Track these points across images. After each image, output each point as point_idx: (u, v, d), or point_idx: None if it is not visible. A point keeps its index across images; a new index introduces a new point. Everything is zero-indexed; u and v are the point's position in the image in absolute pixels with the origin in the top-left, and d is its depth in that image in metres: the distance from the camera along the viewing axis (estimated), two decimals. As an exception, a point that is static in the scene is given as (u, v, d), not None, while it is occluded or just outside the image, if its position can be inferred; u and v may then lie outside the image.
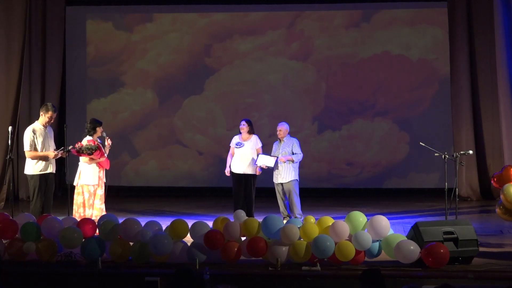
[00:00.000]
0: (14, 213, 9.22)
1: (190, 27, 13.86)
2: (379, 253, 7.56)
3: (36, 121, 9.08)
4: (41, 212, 8.76)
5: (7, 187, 11.92)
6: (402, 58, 13.42)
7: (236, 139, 10.34)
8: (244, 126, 10.28)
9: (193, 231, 7.74)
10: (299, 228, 7.56)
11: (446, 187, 8.82)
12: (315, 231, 7.54)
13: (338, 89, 13.56)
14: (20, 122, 12.60)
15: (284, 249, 7.47)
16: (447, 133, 12.95)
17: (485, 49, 12.47)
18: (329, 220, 7.69)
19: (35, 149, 8.90)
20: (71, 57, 13.86)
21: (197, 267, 7.26)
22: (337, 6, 13.61)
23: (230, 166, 10.27)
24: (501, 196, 8.42)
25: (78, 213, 8.95)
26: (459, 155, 9.02)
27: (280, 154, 10.12)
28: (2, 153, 12.47)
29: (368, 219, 7.65)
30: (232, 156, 10.29)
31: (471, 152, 9.54)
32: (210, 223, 7.89)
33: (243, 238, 7.80)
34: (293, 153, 10.11)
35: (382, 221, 7.53)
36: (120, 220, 7.94)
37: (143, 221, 8.00)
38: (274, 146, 10.33)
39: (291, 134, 10.37)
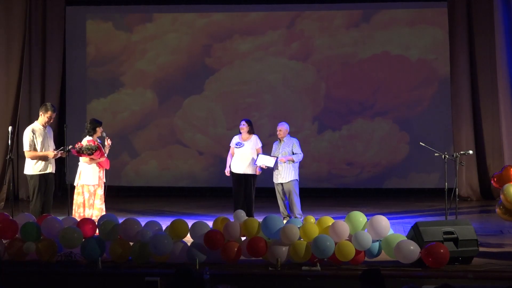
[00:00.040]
0: (14, 213, 9.21)
1: (190, 27, 13.86)
2: (379, 253, 7.56)
3: (35, 121, 9.07)
4: (41, 212, 8.76)
5: (7, 187, 11.92)
6: (402, 58, 13.42)
7: (236, 139, 10.34)
8: (244, 126, 10.27)
9: (193, 231, 7.74)
10: (299, 228, 7.56)
11: (446, 187, 8.81)
12: (315, 231, 7.54)
13: (338, 89, 13.56)
14: (20, 122, 12.59)
15: (284, 249, 7.47)
16: (447, 133, 12.94)
17: (485, 49, 12.47)
18: (329, 220, 7.69)
19: (35, 149, 8.89)
20: (71, 57, 13.86)
21: (197, 267, 7.25)
22: (337, 6, 13.61)
23: (230, 166, 10.27)
24: (501, 196, 8.41)
25: (78, 213, 8.95)
26: (459, 155, 9.02)
27: (280, 154, 10.11)
28: (2, 153, 12.47)
29: (368, 219, 7.65)
30: (232, 156, 10.28)
31: (471, 152, 9.54)
32: (210, 223, 7.89)
33: (243, 238, 7.79)
34: (293, 153, 10.10)
35: (382, 221, 7.53)
36: (120, 220, 7.94)
37: (143, 221, 7.99)
38: (274, 146, 10.32)
39: (291, 134, 10.36)
